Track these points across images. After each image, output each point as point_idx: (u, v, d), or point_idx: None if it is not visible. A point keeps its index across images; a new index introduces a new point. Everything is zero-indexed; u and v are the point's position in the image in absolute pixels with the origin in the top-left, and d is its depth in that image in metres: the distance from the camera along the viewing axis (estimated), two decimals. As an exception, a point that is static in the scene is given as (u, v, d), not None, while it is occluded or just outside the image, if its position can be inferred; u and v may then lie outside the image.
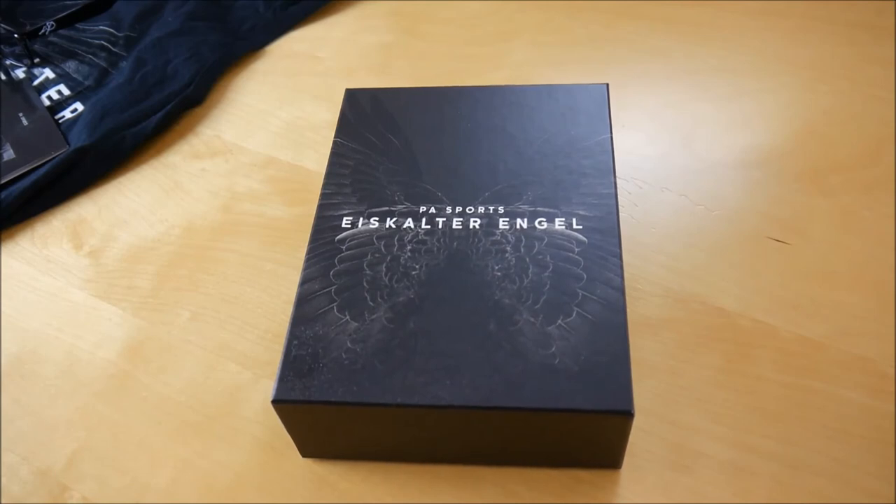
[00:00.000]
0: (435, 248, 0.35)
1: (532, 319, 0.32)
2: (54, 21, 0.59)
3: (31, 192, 0.48)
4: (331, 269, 0.34)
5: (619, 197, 0.41)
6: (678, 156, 0.47)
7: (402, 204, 0.37)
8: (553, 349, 0.31)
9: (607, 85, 0.42)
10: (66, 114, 0.55)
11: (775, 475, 0.33)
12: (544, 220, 0.35)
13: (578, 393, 0.29)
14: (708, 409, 0.35)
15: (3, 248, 0.47)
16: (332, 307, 0.33)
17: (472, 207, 0.36)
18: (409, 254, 0.35)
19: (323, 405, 0.30)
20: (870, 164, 0.45)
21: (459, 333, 0.31)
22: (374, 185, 0.38)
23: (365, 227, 0.36)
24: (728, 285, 0.40)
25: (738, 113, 0.49)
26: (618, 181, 0.45)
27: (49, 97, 0.56)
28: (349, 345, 0.32)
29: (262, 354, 0.39)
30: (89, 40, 0.60)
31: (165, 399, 0.38)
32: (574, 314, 0.32)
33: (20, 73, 0.58)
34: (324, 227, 0.36)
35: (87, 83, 0.57)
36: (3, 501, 0.35)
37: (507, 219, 0.36)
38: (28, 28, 0.59)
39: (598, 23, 0.57)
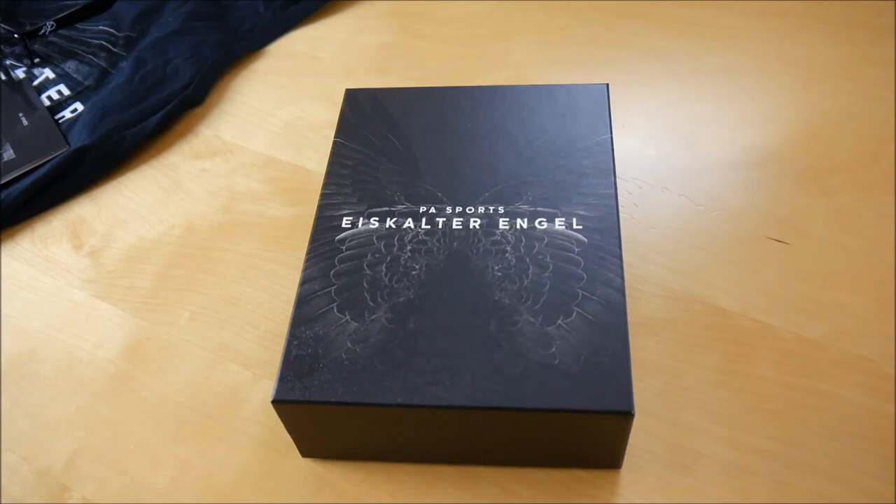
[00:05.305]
0: (435, 249, 0.35)
1: (532, 319, 0.32)
2: (54, 21, 0.59)
3: (31, 192, 0.48)
4: (331, 269, 0.34)
5: (619, 197, 0.41)
6: (678, 156, 0.47)
7: (403, 204, 0.37)
8: (553, 349, 0.31)
9: (607, 85, 0.42)
10: (66, 114, 0.55)
11: (775, 475, 0.33)
12: (544, 220, 0.35)
13: (578, 393, 0.29)
14: (708, 409, 0.35)
15: (3, 248, 0.47)
16: (332, 307, 0.33)
17: (472, 207, 0.36)
18: (409, 254, 0.35)
19: (323, 405, 0.30)
20: (870, 164, 0.45)
21: (459, 333, 0.31)
22: (374, 185, 0.38)
23: (365, 227, 0.36)
24: (728, 285, 0.40)
25: (738, 113, 0.49)
26: (618, 181, 0.45)
27: (49, 97, 0.56)
28: (349, 345, 0.32)
29: (262, 354, 0.39)
30: (89, 40, 0.60)
31: (165, 399, 0.38)
32: (574, 314, 0.32)
33: (20, 73, 0.58)
34: (324, 227, 0.36)
35: (87, 83, 0.57)
36: (3, 501, 0.35)
37: (507, 219, 0.36)
38: (28, 28, 0.59)
39: (598, 23, 0.57)
